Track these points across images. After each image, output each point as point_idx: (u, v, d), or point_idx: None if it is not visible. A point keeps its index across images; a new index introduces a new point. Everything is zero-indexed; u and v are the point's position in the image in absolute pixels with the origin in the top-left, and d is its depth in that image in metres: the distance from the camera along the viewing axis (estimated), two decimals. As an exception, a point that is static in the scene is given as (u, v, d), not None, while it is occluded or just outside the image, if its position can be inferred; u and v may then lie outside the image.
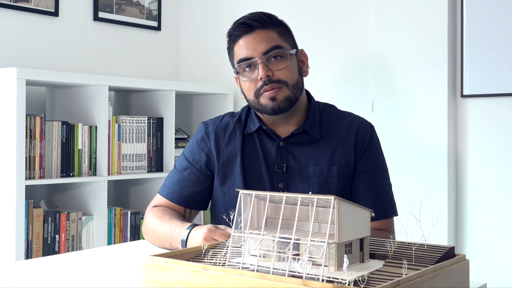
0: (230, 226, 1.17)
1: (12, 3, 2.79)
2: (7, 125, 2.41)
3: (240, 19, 1.67)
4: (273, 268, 0.99)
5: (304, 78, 1.71)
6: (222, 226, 1.49)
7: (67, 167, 2.63)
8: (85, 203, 2.75)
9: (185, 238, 1.51)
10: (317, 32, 3.00)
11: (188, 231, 1.51)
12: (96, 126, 2.72)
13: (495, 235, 2.52)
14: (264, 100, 1.62)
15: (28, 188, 2.56)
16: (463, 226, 2.60)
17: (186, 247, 1.48)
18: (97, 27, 3.16)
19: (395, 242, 1.13)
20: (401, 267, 1.02)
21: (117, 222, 2.82)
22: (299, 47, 1.73)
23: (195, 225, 1.53)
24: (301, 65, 1.70)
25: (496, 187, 2.53)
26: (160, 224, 1.62)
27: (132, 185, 3.14)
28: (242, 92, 1.69)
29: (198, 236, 1.46)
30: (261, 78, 1.61)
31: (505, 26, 2.48)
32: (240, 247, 1.09)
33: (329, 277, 0.94)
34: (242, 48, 1.64)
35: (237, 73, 1.67)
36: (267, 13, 1.67)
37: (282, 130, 1.70)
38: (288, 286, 0.92)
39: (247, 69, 1.65)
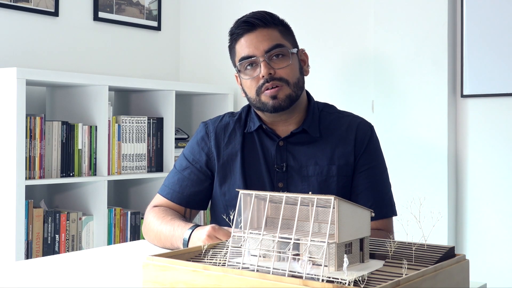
0: (230, 226, 1.17)
1: (12, 3, 2.79)
2: (7, 125, 2.41)
3: (242, 17, 1.67)
4: (273, 268, 0.98)
5: (305, 77, 1.71)
6: (226, 227, 1.49)
7: (67, 167, 2.63)
8: (85, 203, 2.75)
9: (187, 237, 1.51)
10: (317, 32, 3.00)
11: (191, 231, 1.51)
12: (96, 126, 2.72)
13: (495, 235, 2.52)
14: (265, 98, 1.62)
15: (28, 188, 2.56)
16: (463, 226, 2.60)
17: (187, 247, 1.48)
18: (97, 27, 3.16)
19: (395, 242, 1.13)
20: (401, 267, 1.02)
21: (117, 222, 2.82)
22: (300, 47, 1.73)
23: (198, 225, 1.53)
24: (302, 64, 1.71)
25: (496, 187, 2.53)
26: (162, 224, 1.62)
27: (132, 185, 3.14)
28: (243, 90, 1.69)
29: (201, 234, 1.46)
30: (263, 76, 1.61)
31: (505, 26, 2.48)
32: (240, 247, 1.09)
33: (329, 277, 0.94)
34: (244, 46, 1.64)
35: (239, 71, 1.67)
36: (269, 12, 1.68)
37: (282, 129, 1.70)
38: (288, 286, 0.92)
39: (248, 67, 1.65)
